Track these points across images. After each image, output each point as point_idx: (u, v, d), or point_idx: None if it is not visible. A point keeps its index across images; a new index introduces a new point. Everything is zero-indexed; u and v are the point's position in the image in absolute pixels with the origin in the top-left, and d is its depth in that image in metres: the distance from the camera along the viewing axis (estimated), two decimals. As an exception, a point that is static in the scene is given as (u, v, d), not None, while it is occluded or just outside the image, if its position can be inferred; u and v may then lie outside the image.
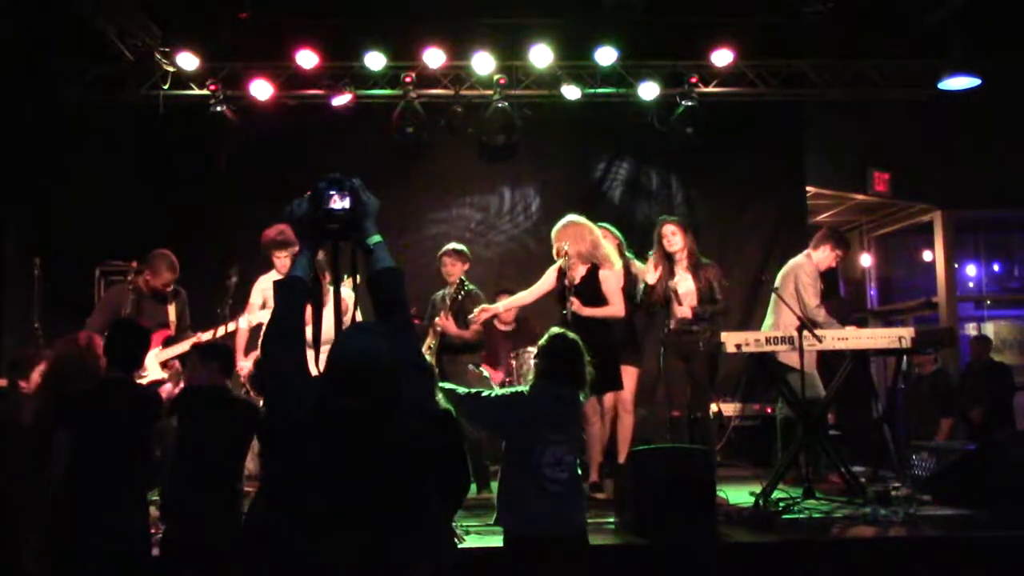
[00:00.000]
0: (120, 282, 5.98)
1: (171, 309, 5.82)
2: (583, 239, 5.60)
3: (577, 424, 3.71)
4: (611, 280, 5.60)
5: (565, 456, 3.47)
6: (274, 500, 2.25)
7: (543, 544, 3.38)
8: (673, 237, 5.96)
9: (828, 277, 6.61)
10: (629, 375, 5.77)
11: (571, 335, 3.66)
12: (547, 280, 5.78)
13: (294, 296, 2.38)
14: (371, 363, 2.17)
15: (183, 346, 5.61)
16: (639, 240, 7.74)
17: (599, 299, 5.51)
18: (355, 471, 2.15)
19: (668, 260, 5.99)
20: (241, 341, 5.93)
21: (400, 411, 2.19)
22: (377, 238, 2.44)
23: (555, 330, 3.70)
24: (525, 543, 3.42)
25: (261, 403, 5.84)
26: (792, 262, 6.21)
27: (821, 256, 6.15)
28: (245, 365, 5.83)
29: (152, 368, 5.74)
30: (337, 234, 2.44)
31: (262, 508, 2.85)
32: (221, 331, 5.66)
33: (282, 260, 5.98)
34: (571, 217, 5.76)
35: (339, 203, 2.41)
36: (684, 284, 5.93)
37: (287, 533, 2.16)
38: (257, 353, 5.79)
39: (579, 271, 5.60)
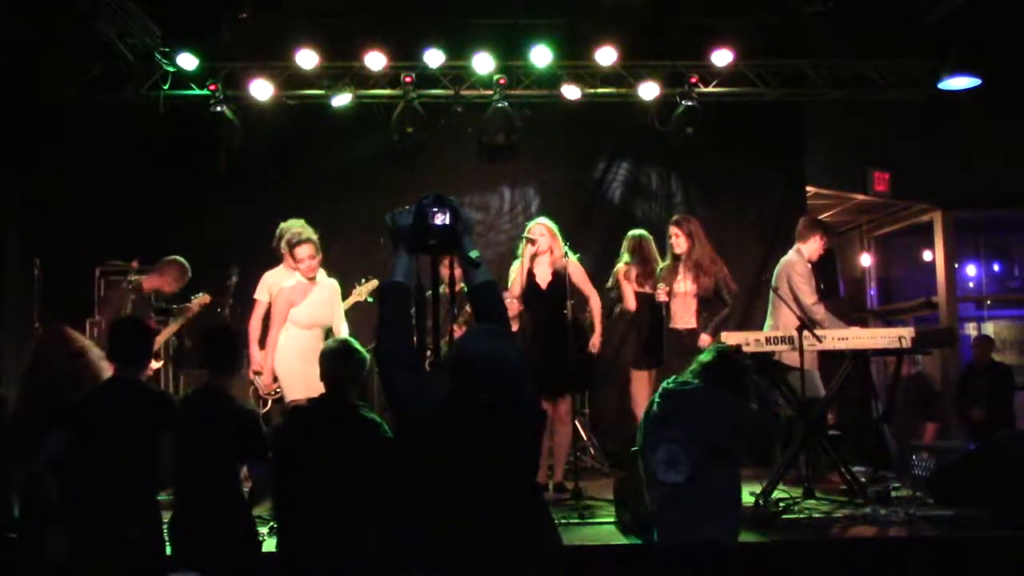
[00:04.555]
0: (117, 283, 5.99)
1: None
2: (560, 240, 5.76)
3: (700, 417, 3.59)
4: (580, 270, 5.72)
5: (679, 454, 3.40)
6: (405, 486, 2.46)
7: (673, 555, 3.36)
8: (676, 239, 5.97)
9: (828, 277, 6.61)
10: (651, 378, 6.00)
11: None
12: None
13: (400, 299, 2.59)
14: (502, 361, 2.40)
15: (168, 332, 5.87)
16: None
17: (564, 299, 5.58)
18: (487, 460, 2.37)
19: (675, 260, 6.01)
20: (254, 333, 5.96)
21: (521, 406, 2.43)
22: (476, 252, 2.66)
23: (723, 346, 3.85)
24: (656, 555, 3.42)
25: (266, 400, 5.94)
26: (783, 261, 6.14)
27: (812, 248, 6.10)
28: (255, 358, 5.89)
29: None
30: (437, 249, 2.66)
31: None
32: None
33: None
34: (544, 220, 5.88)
35: (441, 219, 2.60)
36: (685, 285, 5.95)
37: (417, 516, 2.39)
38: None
39: (548, 273, 5.72)
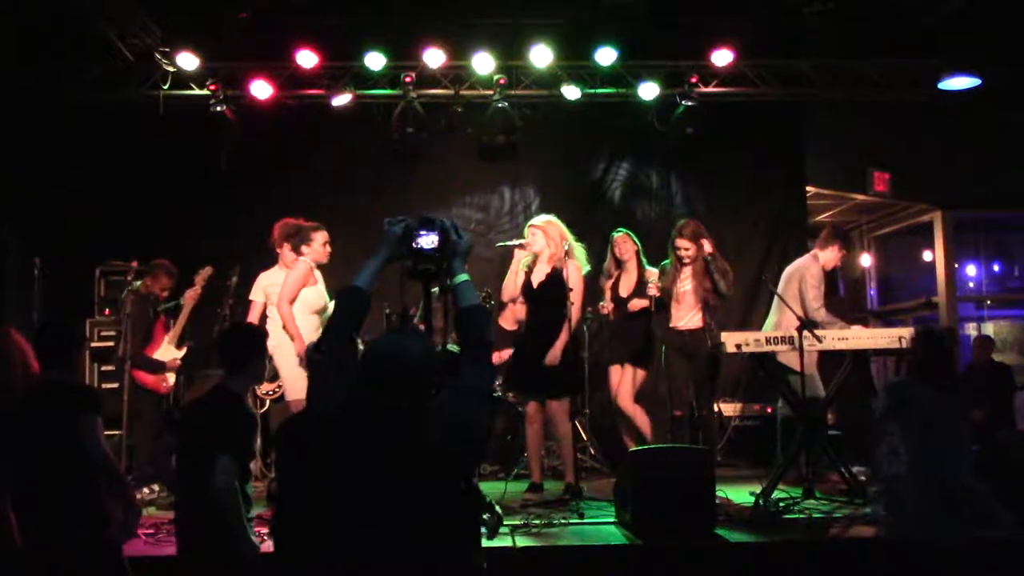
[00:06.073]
0: (130, 288, 6.02)
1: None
2: (560, 239, 5.67)
3: (914, 411, 3.62)
4: (575, 275, 5.63)
5: (900, 446, 3.47)
6: (289, 489, 2.32)
7: (898, 548, 3.46)
8: (686, 252, 5.94)
9: (829, 277, 6.61)
10: (636, 375, 5.96)
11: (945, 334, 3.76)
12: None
13: (350, 303, 2.52)
14: (397, 359, 2.24)
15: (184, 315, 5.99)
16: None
17: (562, 300, 5.50)
18: (383, 476, 2.17)
19: (679, 262, 5.99)
20: None
21: (426, 415, 2.23)
22: (463, 277, 2.54)
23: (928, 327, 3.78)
24: (887, 546, 3.55)
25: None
26: (798, 263, 6.18)
27: (829, 256, 6.12)
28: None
29: (172, 354, 6.00)
30: (429, 275, 2.58)
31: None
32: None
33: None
34: (551, 216, 5.83)
35: (427, 242, 2.53)
36: (687, 285, 5.95)
37: (299, 520, 2.23)
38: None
39: (543, 271, 5.68)
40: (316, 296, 5.60)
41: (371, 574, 2.13)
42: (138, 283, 6.00)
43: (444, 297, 2.81)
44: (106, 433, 3.61)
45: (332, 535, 2.15)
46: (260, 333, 3.99)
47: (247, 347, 3.64)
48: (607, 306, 6.11)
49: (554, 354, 5.48)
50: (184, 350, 6.01)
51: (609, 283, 6.21)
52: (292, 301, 5.51)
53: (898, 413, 3.58)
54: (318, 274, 5.74)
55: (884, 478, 3.58)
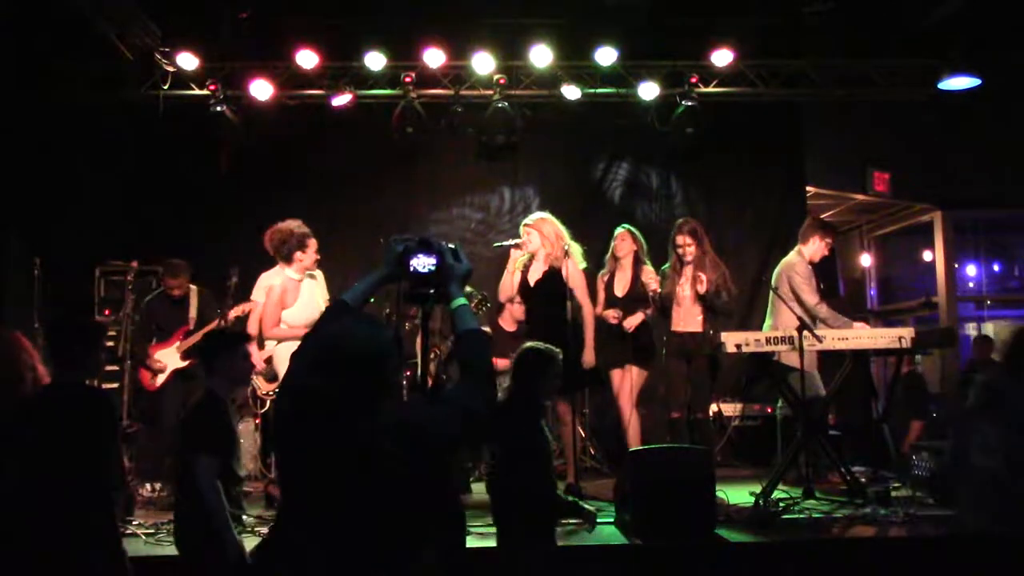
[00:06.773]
0: (145, 287, 6.06)
1: (192, 306, 6.13)
2: (556, 238, 5.65)
3: (1008, 406, 3.62)
4: (575, 272, 5.61)
5: (993, 442, 3.50)
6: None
7: (984, 540, 3.48)
8: (688, 248, 5.93)
9: (828, 277, 6.62)
10: (639, 375, 5.87)
11: None
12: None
13: (336, 317, 2.46)
14: (349, 345, 2.17)
15: (202, 333, 5.92)
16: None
17: (560, 297, 5.49)
18: (301, 457, 2.14)
19: (680, 263, 5.98)
20: (253, 335, 5.96)
21: (368, 409, 2.15)
22: (461, 301, 2.47)
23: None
24: (967, 538, 3.56)
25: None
26: (784, 262, 6.15)
27: (813, 249, 6.12)
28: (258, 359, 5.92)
29: (172, 359, 5.98)
30: (424, 298, 2.53)
31: None
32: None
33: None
34: (545, 214, 5.84)
35: (424, 265, 2.47)
36: (688, 288, 5.94)
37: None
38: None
39: (539, 269, 5.68)
40: (297, 315, 5.57)
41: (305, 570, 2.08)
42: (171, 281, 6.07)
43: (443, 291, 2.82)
44: None
45: (281, 532, 2.18)
46: (227, 335, 4.05)
47: (210, 350, 3.74)
48: (614, 317, 5.87)
49: (589, 356, 5.55)
50: (189, 363, 6.02)
51: (604, 281, 6.08)
52: (277, 323, 5.53)
53: (992, 409, 3.61)
54: (307, 284, 5.70)
55: (971, 471, 3.61)
